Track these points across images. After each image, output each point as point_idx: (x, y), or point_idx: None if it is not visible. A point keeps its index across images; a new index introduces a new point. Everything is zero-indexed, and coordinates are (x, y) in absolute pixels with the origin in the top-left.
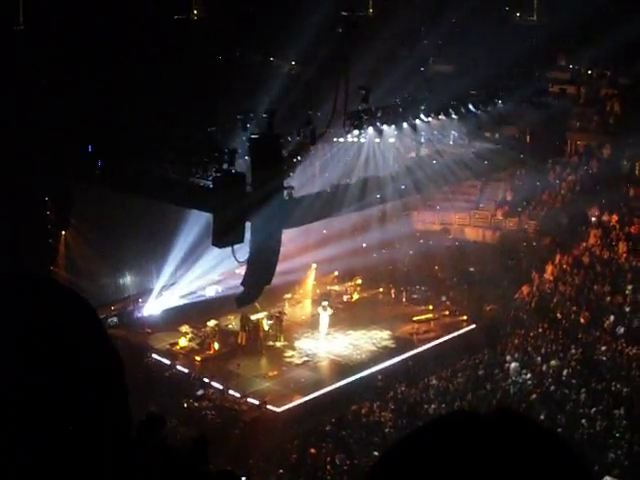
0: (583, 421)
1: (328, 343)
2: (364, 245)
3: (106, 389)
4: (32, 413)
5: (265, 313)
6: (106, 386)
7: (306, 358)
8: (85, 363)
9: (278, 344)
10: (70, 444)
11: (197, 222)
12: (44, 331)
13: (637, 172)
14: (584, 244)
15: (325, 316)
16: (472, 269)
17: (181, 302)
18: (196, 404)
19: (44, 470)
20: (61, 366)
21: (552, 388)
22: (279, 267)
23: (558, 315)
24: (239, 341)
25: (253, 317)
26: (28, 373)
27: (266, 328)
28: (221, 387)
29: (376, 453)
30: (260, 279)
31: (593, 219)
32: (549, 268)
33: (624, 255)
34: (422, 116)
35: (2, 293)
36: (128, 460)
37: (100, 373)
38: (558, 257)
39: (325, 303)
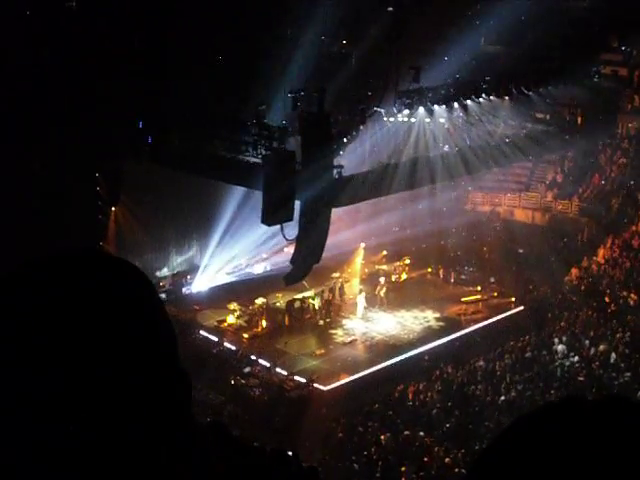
0: None
1: (376, 323)
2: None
3: (159, 360)
4: (89, 382)
5: (320, 290)
6: (159, 357)
7: (353, 337)
8: (140, 332)
9: (327, 320)
10: (124, 415)
11: (245, 199)
12: (100, 300)
13: None
14: (634, 227)
15: (362, 298)
16: (521, 251)
17: (229, 279)
18: (243, 381)
19: (99, 449)
20: (116, 332)
21: (599, 371)
22: (328, 245)
23: (607, 298)
24: (285, 322)
25: (304, 295)
26: (83, 341)
27: (316, 307)
28: (268, 365)
29: (422, 433)
30: (309, 257)
31: None
32: (599, 251)
33: None
34: (473, 96)
35: (57, 266)
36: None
37: (155, 341)
38: (608, 240)
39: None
